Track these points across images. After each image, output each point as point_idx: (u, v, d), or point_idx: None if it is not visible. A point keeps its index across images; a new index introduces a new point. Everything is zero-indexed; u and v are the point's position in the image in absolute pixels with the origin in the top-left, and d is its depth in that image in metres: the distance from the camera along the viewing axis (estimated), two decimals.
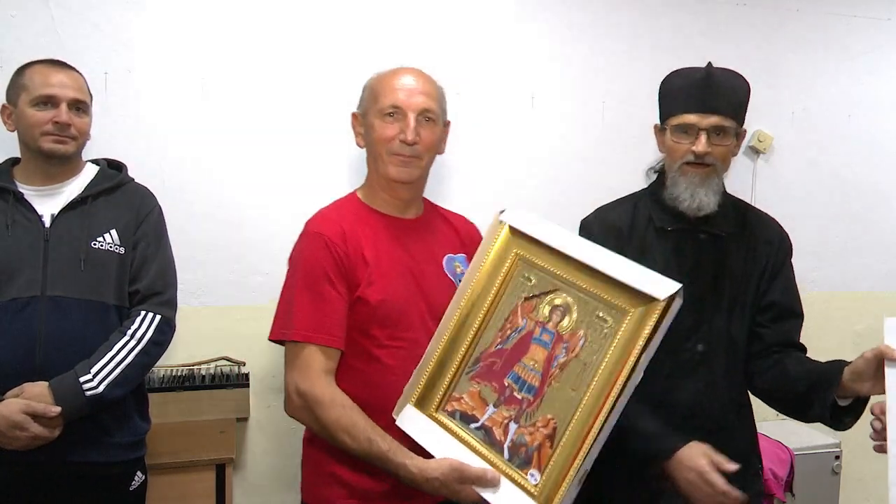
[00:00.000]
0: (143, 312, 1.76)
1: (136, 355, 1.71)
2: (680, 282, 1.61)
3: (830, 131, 3.23)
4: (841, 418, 1.58)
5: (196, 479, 2.13)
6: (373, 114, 1.52)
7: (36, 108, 1.71)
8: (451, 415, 1.34)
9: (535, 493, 1.23)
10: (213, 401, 2.36)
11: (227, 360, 2.53)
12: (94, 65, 2.37)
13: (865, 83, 3.25)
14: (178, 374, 2.44)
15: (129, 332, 1.72)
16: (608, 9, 2.90)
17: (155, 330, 1.75)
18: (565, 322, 1.26)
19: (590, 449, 1.20)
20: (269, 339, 1.52)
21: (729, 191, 2.44)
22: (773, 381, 1.65)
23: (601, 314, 1.23)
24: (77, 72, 1.80)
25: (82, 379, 1.64)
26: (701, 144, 1.57)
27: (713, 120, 1.58)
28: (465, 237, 1.68)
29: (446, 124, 1.63)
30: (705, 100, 1.58)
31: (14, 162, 1.82)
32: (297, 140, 2.58)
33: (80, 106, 1.76)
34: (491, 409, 1.30)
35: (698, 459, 1.43)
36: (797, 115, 3.17)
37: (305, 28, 2.58)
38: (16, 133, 1.79)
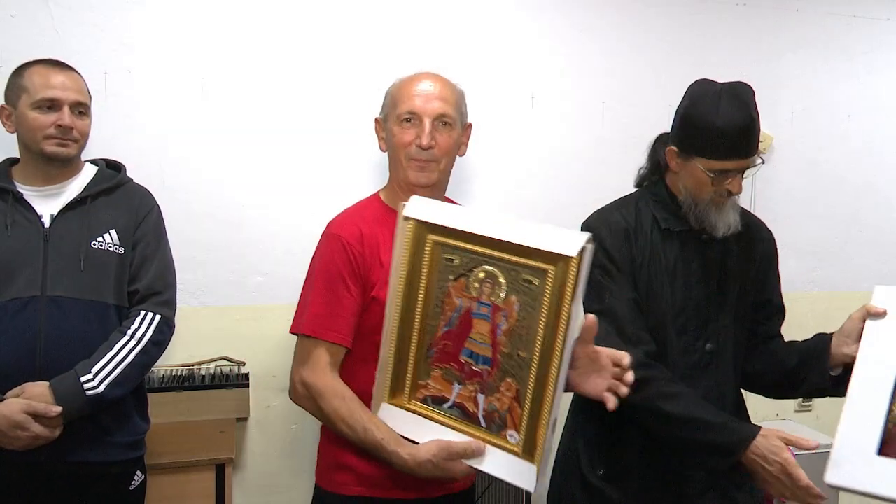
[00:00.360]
0: (142, 312, 1.76)
1: (136, 355, 1.71)
2: (689, 283, 1.64)
3: (830, 131, 3.23)
4: (836, 388, 1.64)
5: (196, 479, 2.13)
6: (392, 120, 1.58)
7: (38, 111, 1.71)
8: (423, 401, 1.41)
9: (519, 450, 1.35)
10: (212, 401, 2.36)
11: (227, 360, 2.53)
12: (94, 65, 2.37)
13: (865, 83, 3.25)
14: (178, 374, 2.44)
15: (129, 331, 1.73)
16: (608, 9, 2.90)
17: (155, 330, 1.76)
18: (497, 292, 1.33)
19: (553, 399, 1.29)
20: (290, 332, 1.60)
21: None
22: (763, 362, 1.73)
23: (526, 277, 1.30)
24: (76, 72, 1.80)
25: (83, 379, 1.64)
26: (738, 186, 1.59)
27: (748, 161, 1.59)
28: None
29: (466, 126, 1.69)
30: (748, 146, 1.56)
31: (12, 162, 1.82)
32: (297, 140, 2.58)
33: (82, 108, 1.77)
34: (457, 386, 1.38)
35: (781, 452, 1.44)
36: (797, 114, 3.17)
37: (305, 28, 2.58)
38: (13, 133, 1.79)
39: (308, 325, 1.53)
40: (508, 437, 1.35)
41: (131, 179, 1.89)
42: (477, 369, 1.36)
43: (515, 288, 1.31)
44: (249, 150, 2.55)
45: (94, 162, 1.88)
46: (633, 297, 1.63)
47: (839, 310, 3.44)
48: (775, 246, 1.83)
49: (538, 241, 1.28)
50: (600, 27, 2.90)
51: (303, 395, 1.53)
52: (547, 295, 1.27)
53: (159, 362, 1.87)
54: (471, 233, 1.33)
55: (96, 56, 2.39)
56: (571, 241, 1.25)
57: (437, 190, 1.63)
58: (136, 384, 1.78)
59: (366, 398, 1.49)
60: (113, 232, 1.77)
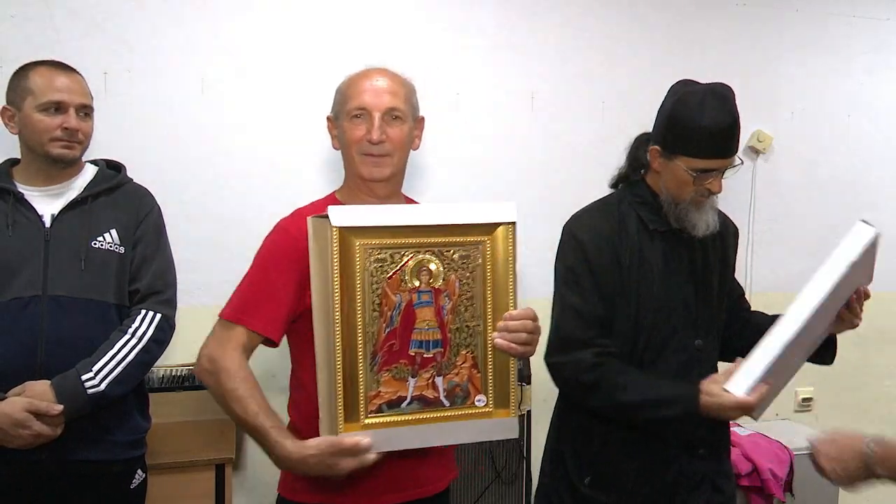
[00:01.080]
0: (143, 311, 1.76)
1: (137, 353, 1.71)
2: (677, 282, 1.66)
3: (830, 131, 3.23)
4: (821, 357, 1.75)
5: (196, 479, 2.13)
6: (342, 116, 1.55)
7: (44, 113, 1.71)
8: (379, 411, 1.35)
9: (491, 409, 1.39)
10: (212, 401, 2.32)
11: None
12: (94, 65, 2.37)
13: (865, 83, 3.25)
14: (178, 374, 2.44)
15: (130, 330, 1.73)
16: (608, 9, 2.91)
17: (155, 328, 1.76)
18: (433, 277, 1.36)
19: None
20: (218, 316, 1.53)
21: (728, 191, 2.44)
22: (740, 330, 1.80)
23: (461, 254, 1.36)
24: (79, 74, 1.80)
25: (84, 377, 1.64)
26: (719, 186, 1.62)
27: (729, 161, 1.62)
28: None
29: (418, 120, 1.64)
30: (731, 146, 1.60)
31: (13, 163, 1.82)
32: (297, 140, 2.58)
33: (86, 110, 1.77)
34: (411, 381, 1.36)
35: (721, 398, 1.49)
36: (797, 114, 3.17)
37: (306, 28, 2.58)
38: (16, 134, 1.79)
39: (230, 311, 1.49)
40: (477, 403, 1.39)
41: (131, 180, 1.89)
42: (429, 355, 1.37)
43: (452, 267, 1.36)
44: (249, 149, 2.55)
45: (94, 162, 1.88)
46: (596, 302, 1.64)
47: None
48: (738, 236, 1.88)
49: (470, 218, 1.36)
50: (600, 27, 2.90)
51: (206, 369, 1.46)
52: (489, 260, 1.37)
53: (159, 362, 1.87)
54: (398, 226, 1.33)
55: (96, 56, 2.39)
56: (506, 211, 1.38)
57: (392, 184, 1.59)
58: (137, 383, 1.78)
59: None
60: (113, 231, 1.77)
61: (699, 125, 1.55)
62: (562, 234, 1.74)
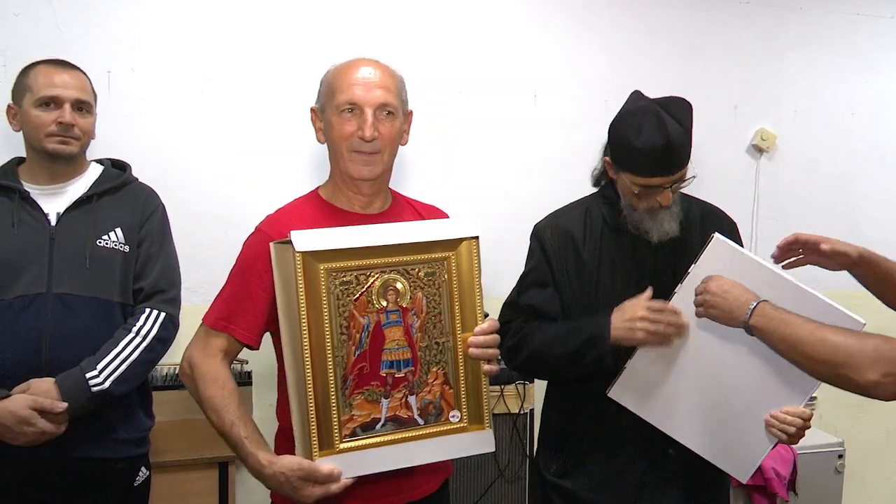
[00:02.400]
0: (147, 310, 1.77)
1: (141, 352, 1.72)
2: (640, 281, 1.65)
3: (833, 129, 3.23)
4: None
5: (199, 477, 2.14)
6: (330, 110, 1.48)
7: (40, 109, 1.72)
8: (353, 435, 1.33)
9: (466, 424, 1.40)
10: None
11: None
12: (97, 63, 2.37)
13: (869, 81, 3.25)
14: None
15: (135, 329, 1.73)
16: (611, 7, 2.90)
17: (160, 327, 1.76)
18: (400, 296, 1.36)
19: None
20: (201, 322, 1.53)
21: (732, 190, 2.50)
22: None
23: (426, 271, 1.36)
24: (81, 71, 1.80)
25: (88, 375, 1.65)
26: (667, 199, 1.62)
27: (676, 176, 1.62)
28: None
29: (407, 114, 1.58)
30: (671, 164, 1.59)
31: (19, 161, 1.83)
32: (299, 140, 2.58)
33: (84, 106, 1.77)
34: (384, 402, 1.36)
35: (635, 310, 1.54)
36: (800, 113, 3.17)
37: (308, 26, 2.58)
38: (18, 132, 1.80)
39: (214, 319, 1.47)
40: (451, 419, 1.40)
41: (136, 179, 1.90)
42: (400, 375, 1.36)
43: (418, 285, 1.36)
44: (250, 148, 2.55)
45: (99, 161, 1.89)
46: (547, 297, 1.69)
47: None
48: (736, 229, 1.84)
49: (432, 235, 1.37)
50: (603, 26, 2.90)
51: (187, 374, 1.46)
52: (454, 275, 1.38)
53: (163, 360, 1.87)
54: (362, 248, 1.31)
55: (99, 54, 2.39)
56: (464, 225, 1.39)
57: (380, 182, 1.54)
58: (141, 381, 1.79)
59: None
60: (118, 230, 1.78)
61: (634, 146, 1.57)
62: (529, 238, 1.78)
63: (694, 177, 1.66)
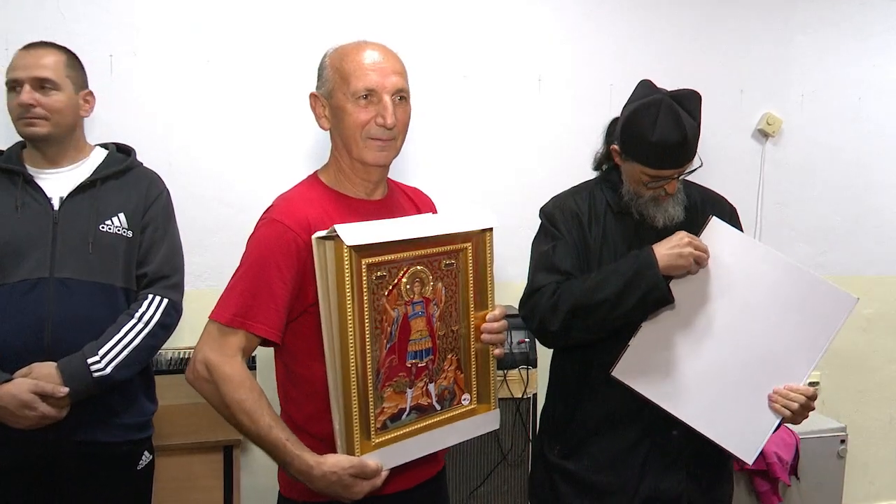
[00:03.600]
0: (150, 296, 1.77)
1: (144, 338, 1.72)
2: None
3: (841, 114, 3.20)
4: None
5: (204, 461, 2.15)
6: (343, 97, 1.42)
7: (11, 94, 1.72)
8: (384, 428, 1.34)
9: (475, 406, 1.46)
10: None
11: None
12: (100, 47, 2.36)
13: (877, 65, 3.21)
14: (186, 356, 2.45)
15: (137, 314, 1.74)
16: None
17: (162, 313, 1.76)
18: (425, 287, 1.39)
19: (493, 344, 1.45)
20: (209, 318, 1.43)
21: (737, 175, 2.46)
22: None
23: (446, 262, 1.40)
24: (53, 48, 1.76)
25: (90, 360, 1.65)
26: (673, 188, 1.66)
27: (682, 170, 1.65)
28: (425, 212, 1.64)
29: None
30: (682, 158, 1.62)
31: (24, 145, 1.82)
32: (304, 123, 2.57)
33: (46, 83, 1.72)
34: (409, 392, 1.39)
35: (680, 239, 1.58)
36: (807, 97, 3.14)
37: (313, 9, 2.56)
38: None
39: (230, 315, 1.38)
40: (463, 402, 1.46)
41: (141, 164, 1.89)
42: (422, 364, 1.39)
43: (439, 276, 1.40)
44: (255, 132, 2.54)
45: (104, 146, 1.88)
46: (572, 259, 1.69)
47: None
48: (737, 216, 1.84)
49: (452, 227, 1.40)
50: (608, 10, 2.87)
51: (203, 377, 1.37)
52: (469, 265, 1.43)
53: (167, 345, 1.87)
54: (395, 241, 1.33)
55: (102, 38, 2.38)
56: (483, 216, 1.43)
57: (387, 168, 1.53)
58: (143, 366, 1.79)
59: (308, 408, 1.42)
60: (122, 215, 1.77)
61: (649, 141, 1.59)
62: (540, 218, 1.79)
63: (700, 165, 1.68)
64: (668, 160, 1.60)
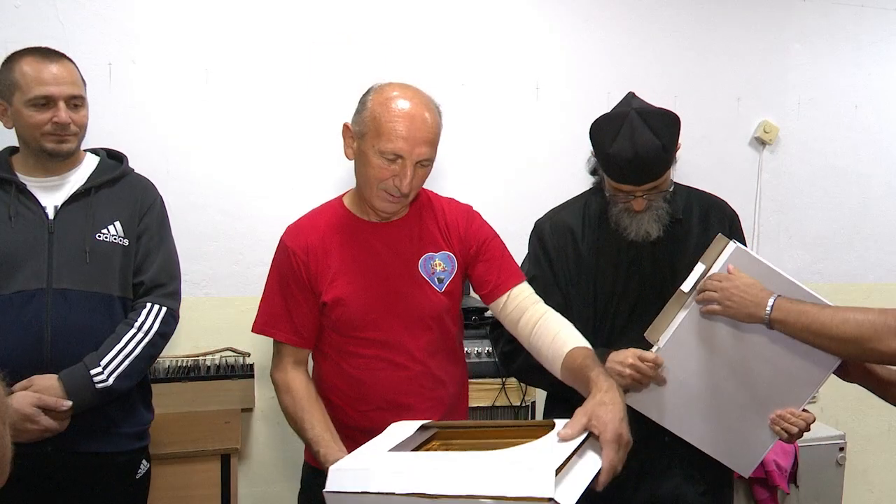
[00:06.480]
0: (148, 304, 1.76)
1: (144, 347, 1.71)
2: (641, 274, 1.67)
3: (837, 122, 3.21)
4: None
5: (201, 469, 2.14)
6: (371, 147, 1.48)
7: (33, 108, 1.66)
8: None
9: None
10: (217, 391, 2.37)
11: (232, 351, 2.54)
12: (98, 55, 2.37)
13: (873, 73, 3.23)
14: (184, 364, 2.45)
15: (136, 324, 1.73)
16: None
17: (161, 322, 1.76)
18: None
19: None
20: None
21: (734, 182, 2.45)
22: None
23: None
24: (68, 59, 1.73)
25: (92, 371, 1.64)
26: (639, 205, 1.66)
27: (647, 186, 1.63)
28: (453, 232, 1.65)
29: None
30: (641, 176, 1.61)
31: (12, 151, 1.78)
32: (302, 131, 2.58)
33: (77, 101, 1.71)
34: None
35: (624, 358, 1.58)
36: (803, 105, 3.15)
37: (310, 19, 2.57)
38: (11, 129, 1.74)
39: (259, 324, 1.62)
40: None
41: (133, 170, 1.87)
42: None
43: None
44: (253, 141, 2.55)
45: (94, 152, 1.85)
46: (547, 296, 1.66)
47: (844, 302, 3.44)
48: (738, 220, 1.83)
49: (508, 490, 1.11)
50: (605, 17, 2.88)
51: (274, 388, 1.62)
52: None
53: (165, 353, 1.87)
54: (433, 495, 1.14)
55: (100, 47, 2.39)
56: (545, 482, 1.10)
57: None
58: (142, 376, 1.78)
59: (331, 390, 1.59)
60: (117, 224, 1.76)
61: (605, 152, 1.61)
62: (529, 236, 1.80)
63: (670, 189, 1.68)
64: (627, 175, 1.61)
